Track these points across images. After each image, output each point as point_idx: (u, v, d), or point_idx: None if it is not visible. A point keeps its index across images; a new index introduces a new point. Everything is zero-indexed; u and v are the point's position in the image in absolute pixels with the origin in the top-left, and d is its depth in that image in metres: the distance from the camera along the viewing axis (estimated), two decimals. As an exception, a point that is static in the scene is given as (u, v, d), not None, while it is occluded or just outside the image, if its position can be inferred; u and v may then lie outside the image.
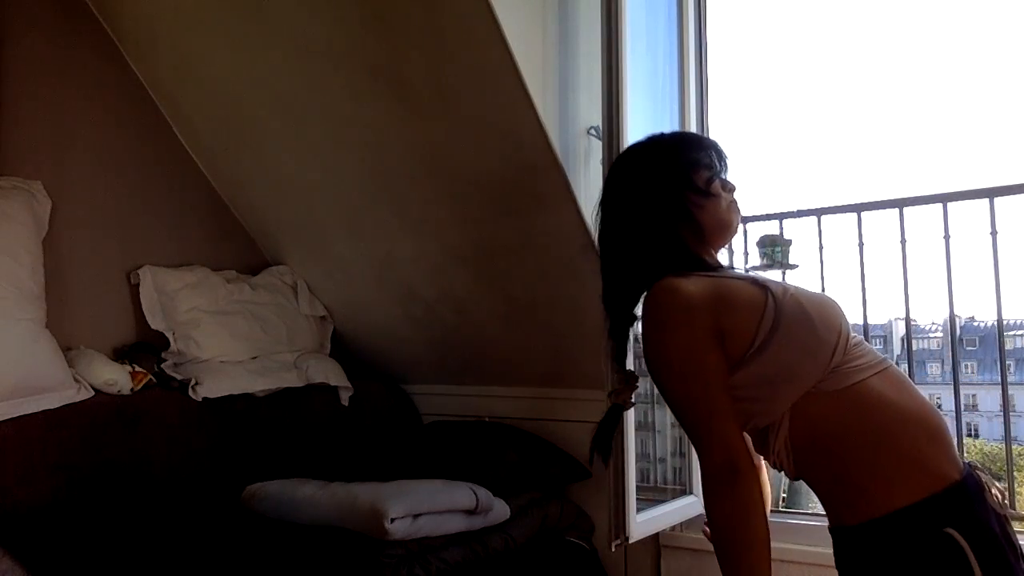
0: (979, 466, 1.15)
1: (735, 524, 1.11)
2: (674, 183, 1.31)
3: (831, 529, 1.20)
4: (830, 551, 1.21)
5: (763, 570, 1.11)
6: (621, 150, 1.87)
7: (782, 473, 1.22)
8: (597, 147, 2.05)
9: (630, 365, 1.51)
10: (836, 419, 1.12)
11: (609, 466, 1.85)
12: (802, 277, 2.36)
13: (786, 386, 1.14)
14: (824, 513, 1.22)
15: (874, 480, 1.10)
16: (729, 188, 1.35)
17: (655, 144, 1.39)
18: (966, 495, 1.09)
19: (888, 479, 1.09)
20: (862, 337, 1.22)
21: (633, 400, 1.38)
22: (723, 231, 1.34)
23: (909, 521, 1.07)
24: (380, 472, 2.26)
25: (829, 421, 1.13)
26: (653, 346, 1.21)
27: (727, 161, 1.37)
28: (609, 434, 1.38)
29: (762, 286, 1.19)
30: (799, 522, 2.23)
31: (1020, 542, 1.11)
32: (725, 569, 1.12)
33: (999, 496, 1.13)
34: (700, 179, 1.31)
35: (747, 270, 2.31)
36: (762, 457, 1.28)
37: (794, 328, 1.14)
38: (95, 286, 2.42)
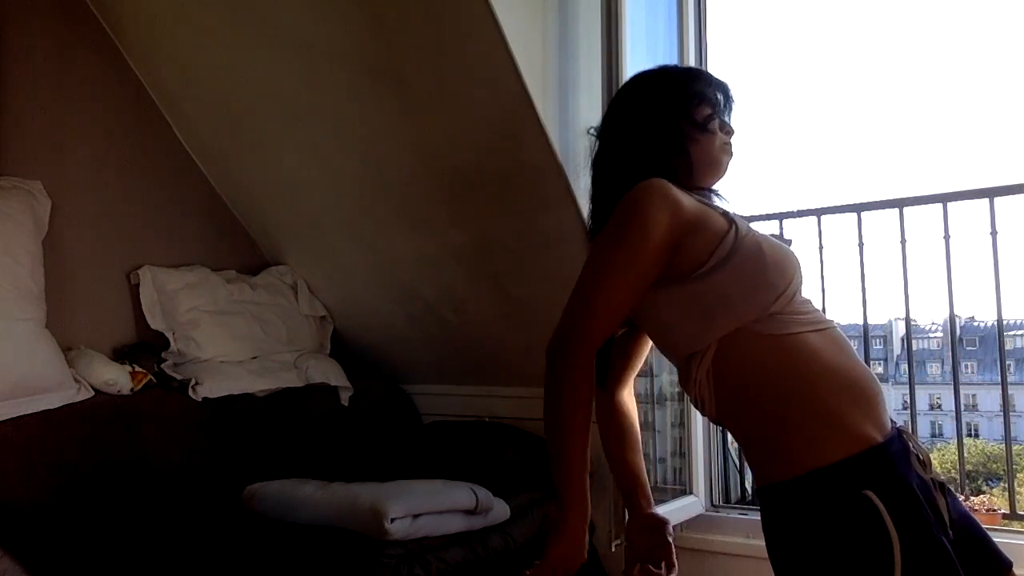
0: (907, 432, 1.15)
1: (561, 386, 1.17)
2: (673, 112, 1.29)
3: (756, 490, 1.19)
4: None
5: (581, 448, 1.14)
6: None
7: (705, 417, 1.21)
8: (597, 147, 2.05)
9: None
10: (761, 362, 1.12)
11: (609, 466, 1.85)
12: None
13: (721, 313, 1.13)
14: None
15: (793, 437, 1.09)
16: (727, 130, 1.33)
17: (663, 72, 1.37)
18: (886, 457, 1.07)
19: (808, 438, 1.08)
20: (812, 303, 1.21)
21: (624, 325, 1.35)
22: (712, 169, 1.32)
23: (827, 481, 1.05)
24: (380, 472, 2.26)
25: (754, 363, 1.12)
26: (612, 225, 1.18)
27: (733, 104, 1.34)
28: (601, 362, 1.31)
29: (730, 220, 1.19)
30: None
31: (946, 508, 1.10)
32: (548, 432, 1.18)
33: (924, 461, 1.12)
34: (700, 113, 1.29)
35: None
36: (681, 389, 1.26)
37: (746, 263, 1.14)
38: (95, 286, 2.42)
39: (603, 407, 1.41)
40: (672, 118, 1.28)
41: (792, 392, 1.10)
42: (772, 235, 1.26)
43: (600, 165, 1.36)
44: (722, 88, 1.33)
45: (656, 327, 1.24)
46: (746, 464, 2.55)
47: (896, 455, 1.08)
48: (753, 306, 1.12)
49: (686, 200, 1.17)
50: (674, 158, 1.27)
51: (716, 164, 1.31)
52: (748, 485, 2.55)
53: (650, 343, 1.38)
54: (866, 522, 1.01)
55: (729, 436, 2.51)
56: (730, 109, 1.34)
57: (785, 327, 1.11)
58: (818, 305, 2.33)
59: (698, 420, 2.43)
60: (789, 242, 1.33)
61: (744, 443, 1.19)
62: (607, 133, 1.36)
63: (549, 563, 1.17)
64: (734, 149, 1.34)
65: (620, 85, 1.88)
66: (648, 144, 1.28)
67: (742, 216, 1.23)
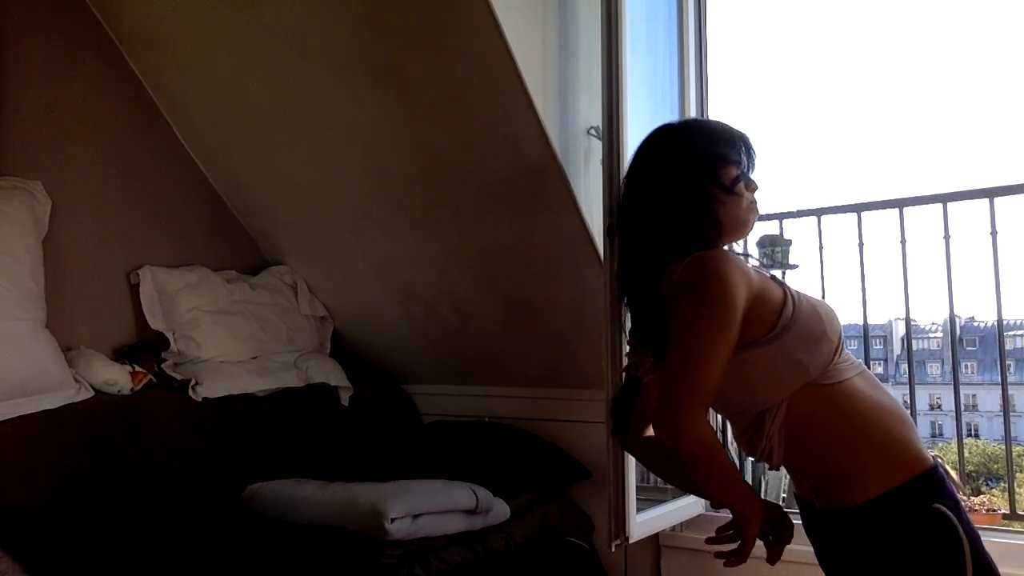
0: (940, 456, 1.29)
1: (706, 458, 1.22)
2: (700, 175, 1.34)
3: (822, 513, 1.28)
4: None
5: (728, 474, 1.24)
6: (621, 150, 1.87)
7: (765, 465, 1.31)
8: (597, 147, 2.05)
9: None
10: (826, 410, 1.24)
11: (609, 466, 1.86)
12: (802, 277, 2.37)
13: (791, 374, 1.24)
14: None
15: (865, 464, 1.22)
16: (752, 188, 1.38)
17: (689, 130, 1.43)
18: (941, 476, 1.22)
19: (878, 463, 1.21)
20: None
21: (650, 373, 1.40)
22: (739, 229, 1.38)
23: (902, 500, 1.19)
24: (380, 472, 2.26)
25: (820, 411, 1.24)
26: (700, 299, 1.23)
27: (755, 159, 1.39)
28: (627, 407, 1.42)
29: (781, 285, 1.29)
30: (799, 522, 2.23)
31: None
32: (708, 488, 1.30)
33: (957, 480, 1.28)
34: (727, 176, 1.34)
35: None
36: (743, 445, 1.33)
37: (806, 326, 1.24)
38: (95, 286, 2.42)
39: (635, 447, 1.51)
40: (700, 182, 1.34)
41: (856, 429, 1.23)
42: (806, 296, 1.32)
43: (629, 221, 1.42)
44: (745, 143, 1.38)
45: (728, 385, 1.26)
46: (747, 465, 2.57)
47: (945, 475, 1.24)
48: (818, 363, 1.23)
49: (751, 271, 1.27)
50: (703, 219, 1.33)
51: (744, 224, 1.38)
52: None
53: None
54: (941, 532, 1.17)
55: (729, 436, 2.51)
56: (753, 165, 1.39)
57: (838, 375, 1.24)
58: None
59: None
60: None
61: (809, 477, 1.29)
62: (635, 188, 1.42)
63: (749, 541, 1.29)
64: (759, 205, 1.40)
65: (620, 85, 1.88)
66: (677, 207, 1.33)
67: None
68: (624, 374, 1.44)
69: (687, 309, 1.24)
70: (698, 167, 1.34)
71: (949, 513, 1.17)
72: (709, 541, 1.35)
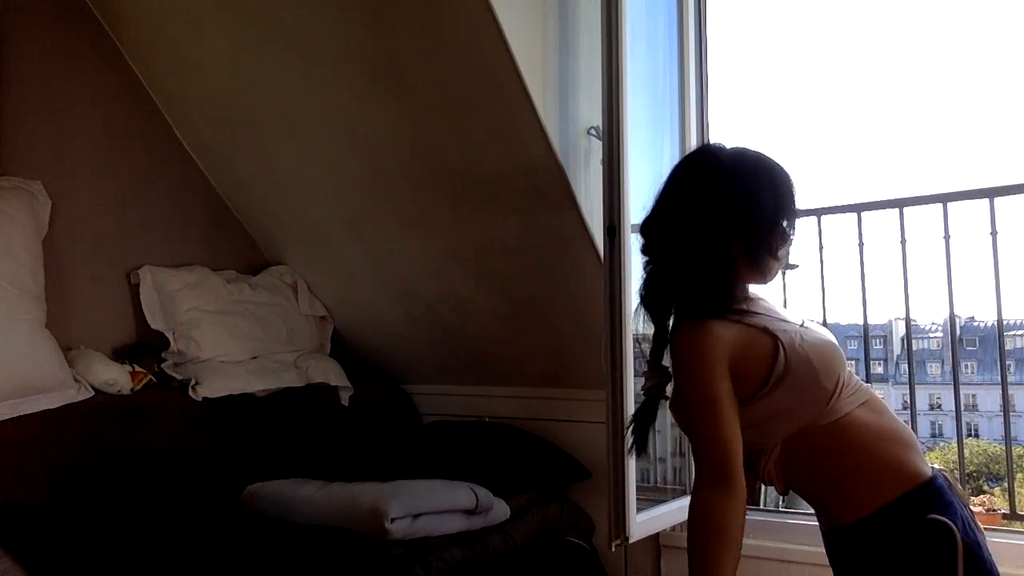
0: (947, 472, 1.33)
1: (723, 524, 1.24)
2: (759, 236, 1.33)
3: (827, 532, 1.34)
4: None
5: (732, 570, 1.24)
6: (621, 150, 1.87)
7: (771, 487, 1.36)
8: (597, 147, 2.05)
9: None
10: (822, 446, 1.28)
11: (609, 466, 1.86)
12: (802, 277, 2.36)
13: (784, 424, 1.29)
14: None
15: (860, 486, 1.27)
16: (787, 243, 1.38)
17: (762, 177, 1.34)
18: (939, 487, 1.26)
19: (873, 483, 1.26)
20: (852, 372, 1.34)
21: (667, 394, 1.42)
22: (755, 281, 1.41)
23: (896, 513, 1.23)
24: (380, 472, 2.26)
25: (816, 447, 1.28)
26: (684, 376, 1.32)
27: (796, 212, 1.37)
28: (646, 427, 1.44)
29: (774, 338, 1.29)
30: (799, 522, 2.23)
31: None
32: (698, 564, 1.24)
33: (960, 490, 1.32)
34: (777, 245, 1.35)
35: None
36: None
37: (799, 379, 1.27)
38: (95, 286, 2.42)
39: None
40: (755, 241, 1.33)
41: (851, 458, 1.27)
42: (810, 334, 1.33)
43: (665, 246, 1.38)
44: (794, 198, 1.36)
45: None
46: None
47: (945, 486, 1.27)
48: (810, 412, 1.27)
49: (729, 336, 1.28)
50: (738, 266, 1.35)
51: (767, 279, 1.41)
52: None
53: None
54: (936, 540, 1.20)
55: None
56: (794, 227, 1.37)
57: (836, 413, 1.27)
58: (818, 305, 2.35)
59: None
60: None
61: (811, 500, 1.35)
62: (676, 214, 1.36)
63: None
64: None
65: (620, 85, 1.88)
66: (721, 251, 1.33)
67: (780, 321, 1.33)
68: (643, 394, 1.44)
69: (682, 386, 1.33)
70: (758, 226, 1.33)
71: (946, 520, 1.20)
72: None
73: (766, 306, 1.39)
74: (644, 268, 1.42)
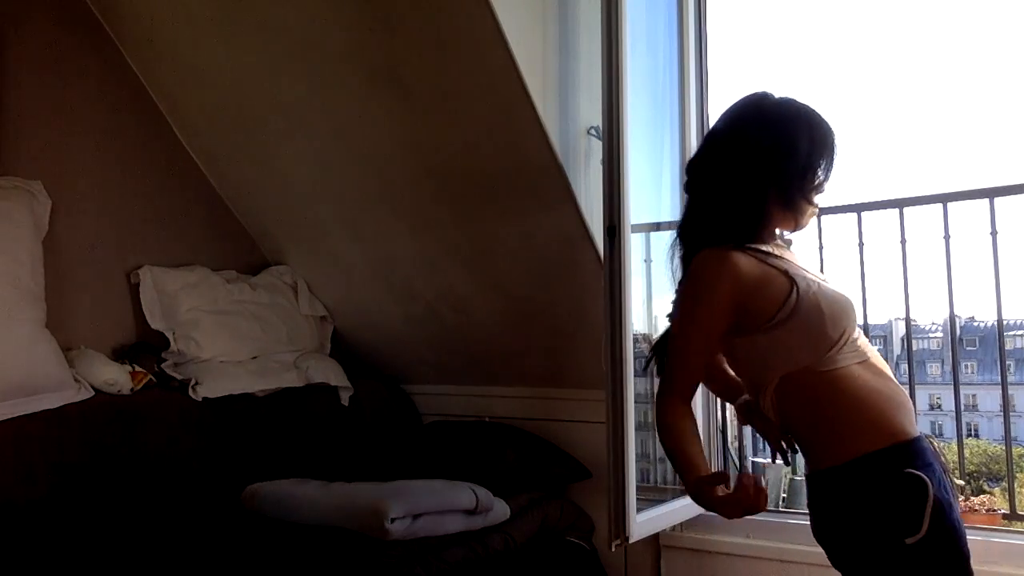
0: (932, 439, 1.38)
1: (682, 426, 1.38)
2: (793, 176, 1.39)
3: (808, 476, 1.39)
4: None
5: (699, 451, 1.38)
6: (621, 150, 1.87)
7: (766, 467, 1.35)
8: (597, 147, 2.05)
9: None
10: (815, 390, 1.33)
11: (609, 466, 1.86)
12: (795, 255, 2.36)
13: (782, 363, 1.34)
14: None
15: (846, 431, 1.31)
16: (821, 192, 1.44)
17: (802, 122, 1.40)
18: (922, 447, 1.31)
19: (857, 433, 1.30)
20: (861, 333, 1.38)
21: None
22: (796, 227, 1.47)
23: (875, 464, 1.28)
24: (380, 472, 2.26)
25: (809, 390, 1.33)
26: (686, 296, 1.40)
27: (834, 162, 1.43)
28: (664, 352, 1.49)
29: (791, 279, 1.35)
30: (799, 522, 2.23)
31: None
32: (672, 454, 1.39)
33: (945, 467, 1.34)
34: (809, 188, 1.40)
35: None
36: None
37: (805, 322, 1.32)
38: (95, 286, 2.42)
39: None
40: (789, 181, 1.39)
41: (840, 407, 1.32)
42: (825, 285, 1.40)
43: (706, 181, 1.45)
44: (834, 148, 1.42)
45: (731, 361, 1.49)
46: (747, 465, 2.57)
47: (926, 449, 1.32)
48: (810, 356, 1.32)
49: (747, 268, 1.35)
50: (764, 217, 1.41)
51: (801, 224, 1.46)
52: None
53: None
54: (910, 492, 1.24)
55: (729, 436, 2.52)
56: (832, 168, 1.42)
57: (833, 363, 1.32)
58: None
59: (698, 420, 2.42)
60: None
61: (801, 441, 1.39)
62: (718, 153, 1.44)
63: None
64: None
65: (620, 85, 1.88)
66: (752, 199, 1.40)
67: (803, 270, 1.40)
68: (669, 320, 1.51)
69: (680, 297, 1.42)
70: (795, 165, 1.38)
71: (921, 474, 1.24)
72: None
73: (791, 258, 1.45)
74: (684, 207, 1.52)
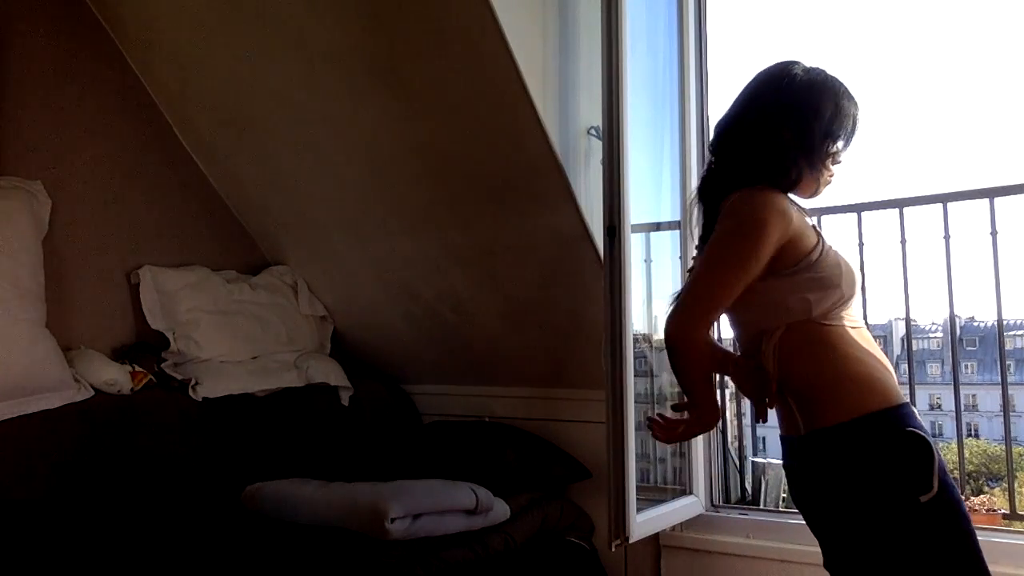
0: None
1: (697, 344, 1.40)
2: (818, 135, 1.42)
3: (805, 435, 1.38)
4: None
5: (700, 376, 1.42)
6: (621, 150, 1.87)
7: (765, 467, 1.39)
8: (597, 147, 2.05)
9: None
10: (819, 341, 1.37)
11: (609, 466, 1.86)
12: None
13: (796, 306, 1.37)
14: None
15: (852, 387, 1.34)
16: (838, 163, 1.48)
17: (828, 85, 1.45)
18: (912, 412, 1.35)
19: (862, 390, 1.34)
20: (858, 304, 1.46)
21: None
22: (811, 193, 1.49)
23: (878, 422, 1.31)
24: (380, 472, 2.26)
25: (813, 341, 1.38)
26: (730, 230, 1.40)
27: (854, 136, 1.47)
28: None
29: (819, 235, 1.42)
30: (799, 522, 2.22)
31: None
32: (680, 372, 1.42)
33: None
34: (827, 152, 1.44)
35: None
36: (746, 357, 1.49)
37: (823, 271, 1.38)
38: (95, 286, 2.42)
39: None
40: (812, 141, 1.42)
41: (839, 362, 1.36)
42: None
43: (733, 139, 1.49)
44: (856, 120, 1.46)
45: (739, 304, 1.43)
46: (747, 465, 2.57)
47: (915, 414, 1.36)
48: (822, 306, 1.37)
49: (795, 215, 1.39)
50: (791, 167, 1.43)
51: (816, 191, 1.50)
52: (748, 485, 2.55)
53: None
54: (915, 449, 1.28)
55: (728, 436, 2.52)
56: (852, 141, 1.47)
57: (836, 320, 1.38)
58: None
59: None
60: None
61: (799, 399, 1.40)
62: (754, 113, 1.47)
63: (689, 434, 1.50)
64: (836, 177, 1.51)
65: (620, 85, 1.88)
66: (779, 151, 1.42)
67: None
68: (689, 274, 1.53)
69: (722, 232, 1.41)
70: (821, 126, 1.42)
71: (925, 435, 1.29)
72: (674, 407, 1.51)
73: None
74: (707, 165, 1.55)
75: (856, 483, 1.31)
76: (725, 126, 1.51)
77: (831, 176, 1.48)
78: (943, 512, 1.26)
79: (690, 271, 1.53)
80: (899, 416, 1.32)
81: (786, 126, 1.42)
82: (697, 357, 1.40)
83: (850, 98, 1.45)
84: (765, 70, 1.51)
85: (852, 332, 1.39)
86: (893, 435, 1.30)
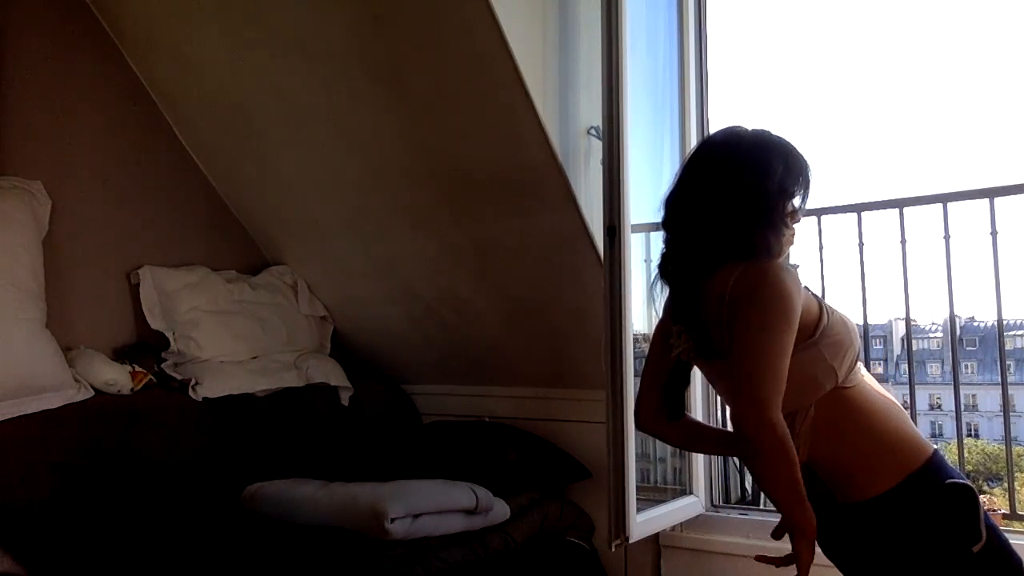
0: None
1: (785, 453, 1.27)
2: (766, 201, 1.40)
3: (841, 505, 1.37)
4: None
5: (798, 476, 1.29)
6: (621, 150, 1.87)
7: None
8: (597, 147, 2.05)
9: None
10: (849, 409, 1.36)
11: (609, 466, 1.86)
12: (802, 277, 2.36)
13: (824, 378, 1.35)
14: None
15: (880, 458, 1.34)
16: (796, 221, 1.45)
17: (764, 148, 1.42)
18: (942, 458, 1.36)
19: (892, 456, 1.33)
20: None
21: (692, 358, 1.46)
22: (767, 255, 1.42)
23: (920, 482, 1.31)
24: (380, 472, 2.26)
25: (844, 411, 1.36)
26: (768, 308, 1.32)
27: (809, 191, 1.45)
28: (680, 392, 1.48)
29: (816, 298, 1.40)
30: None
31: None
32: (784, 481, 1.28)
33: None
34: (784, 211, 1.42)
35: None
36: None
37: (838, 334, 1.36)
38: (95, 286, 2.42)
39: (682, 431, 1.56)
40: (767, 212, 1.40)
41: (871, 426, 1.36)
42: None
43: (690, 213, 1.45)
44: (808, 178, 1.44)
45: None
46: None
47: (944, 460, 1.37)
48: (844, 369, 1.35)
49: (795, 282, 1.36)
50: (769, 236, 1.40)
51: (775, 253, 1.43)
52: (748, 485, 2.55)
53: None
54: (963, 501, 1.29)
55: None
56: (807, 198, 1.45)
57: (852, 380, 1.37)
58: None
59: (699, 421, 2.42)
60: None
61: (834, 475, 1.39)
62: (706, 184, 1.43)
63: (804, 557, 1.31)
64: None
65: (620, 85, 1.88)
66: (737, 221, 1.39)
67: None
68: (677, 359, 1.46)
69: (757, 314, 1.32)
70: (773, 184, 1.39)
71: (965, 481, 1.30)
72: (758, 559, 1.40)
73: None
74: (664, 242, 1.50)
75: (910, 545, 1.31)
76: (677, 201, 1.47)
77: (793, 236, 1.45)
78: (996, 560, 1.29)
79: (675, 356, 1.44)
80: (935, 469, 1.33)
81: (739, 192, 1.38)
82: (789, 448, 1.26)
83: (798, 154, 1.43)
84: (709, 138, 1.49)
85: (866, 384, 1.39)
86: (936, 491, 1.31)
